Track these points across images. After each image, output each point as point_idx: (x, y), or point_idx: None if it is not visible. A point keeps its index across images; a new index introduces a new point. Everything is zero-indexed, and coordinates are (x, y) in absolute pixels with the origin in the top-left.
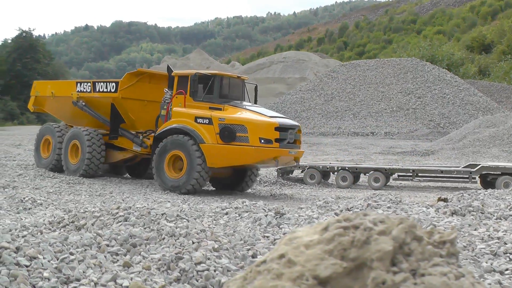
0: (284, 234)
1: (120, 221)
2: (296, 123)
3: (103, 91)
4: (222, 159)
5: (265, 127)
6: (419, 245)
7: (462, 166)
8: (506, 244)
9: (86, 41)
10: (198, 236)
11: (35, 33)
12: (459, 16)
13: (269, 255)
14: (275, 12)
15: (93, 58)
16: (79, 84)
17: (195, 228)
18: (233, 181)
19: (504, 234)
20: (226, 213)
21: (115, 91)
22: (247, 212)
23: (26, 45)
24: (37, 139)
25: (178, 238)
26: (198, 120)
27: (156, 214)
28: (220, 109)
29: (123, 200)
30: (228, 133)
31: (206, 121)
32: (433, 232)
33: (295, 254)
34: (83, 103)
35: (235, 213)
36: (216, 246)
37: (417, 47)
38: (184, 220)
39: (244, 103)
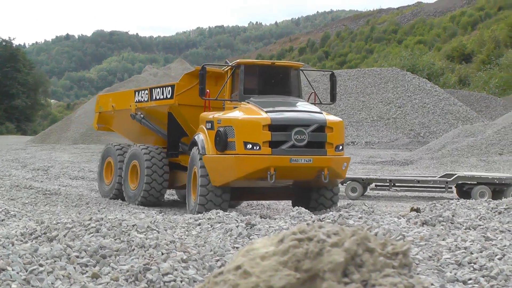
0: None
1: (92, 232)
2: (318, 117)
3: (159, 99)
4: (220, 175)
5: (250, 127)
6: (371, 256)
7: (439, 176)
8: (472, 254)
9: (67, 50)
10: (168, 247)
11: (16, 42)
12: (439, 26)
13: (226, 266)
14: (256, 22)
15: (74, 68)
16: (137, 93)
17: (165, 239)
18: (301, 200)
19: (471, 244)
20: (199, 224)
21: (171, 96)
22: (219, 223)
23: (6, 54)
24: (100, 163)
25: (147, 249)
26: (207, 124)
27: (127, 226)
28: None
29: (99, 211)
30: (219, 138)
31: (209, 125)
32: (386, 243)
33: (251, 265)
34: (142, 116)
35: (208, 224)
36: (184, 257)
37: (398, 57)
38: (155, 231)
39: (288, 98)
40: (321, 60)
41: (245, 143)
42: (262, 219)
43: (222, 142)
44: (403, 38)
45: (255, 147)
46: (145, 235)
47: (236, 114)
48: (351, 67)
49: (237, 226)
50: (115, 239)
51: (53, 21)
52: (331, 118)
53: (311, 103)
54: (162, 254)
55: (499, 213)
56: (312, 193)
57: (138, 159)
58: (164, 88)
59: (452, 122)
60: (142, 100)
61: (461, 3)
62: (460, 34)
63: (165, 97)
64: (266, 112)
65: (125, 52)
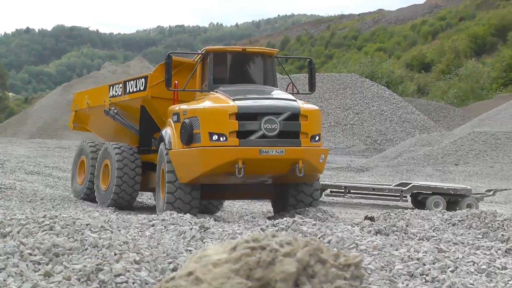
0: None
1: (45, 230)
2: (291, 105)
3: (132, 91)
4: (186, 171)
5: (215, 116)
6: (323, 267)
7: (394, 184)
8: (424, 265)
9: (26, 44)
10: (121, 248)
11: None
12: (400, 34)
13: (178, 272)
14: (217, 23)
15: (33, 62)
16: (111, 87)
17: (118, 240)
18: (280, 198)
19: (424, 255)
20: (153, 225)
21: (144, 88)
22: (173, 224)
23: None
24: (74, 161)
25: (100, 249)
26: (173, 117)
27: (81, 224)
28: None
29: (53, 207)
30: (184, 131)
31: (176, 118)
32: (339, 255)
33: (203, 272)
34: (115, 111)
35: (161, 225)
36: (137, 258)
37: (358, 63)
38: (108, 231)
39: (261, 87)
40: (281, 64)
41: (211, 134)
42: (216, 222)
43: (187, 134)
44: (363, 44)
45: (221, 138)
46: (98, 234)
47: (202, 103)
48: None
49: (190, 229)
50: (69, 238)
51: (13, 14)
52: (306, 106)
53: (289, 93)
54: (115, 254)
55: (453, 224)
56: (290, 189)
57: (110, 157)
58: (137, 80)
59: (409, 130)
60: (116, 94)
61: (423, 12)
62: (420, 43)
63: (138, 89)
64: (234, 100)
65: (84, 47)
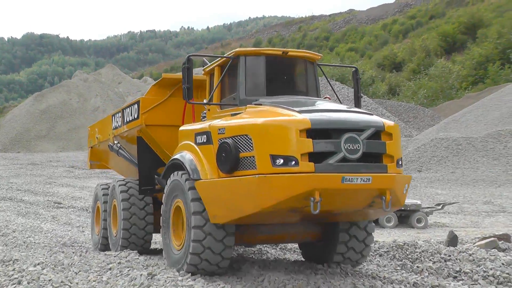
0: None
1: (14, 284)
2: (373, 120)
3: (129, 121)
4: (227, 208)
5: (279, 134)
6: None
7: None
8: None
9: None
10: None
11: None
12: (371, 33)
13: None
14: (188, 27)
15: (3, 71)
16: (113, 117)
17: None
18: (325, 248)
19: None
20: (110, 269)
21: (138, 116)
22: (128, 268)
23: None
24: (92, 209)
25: None
26: (197, 138)
27: (44, 280)
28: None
29: (24, 242)
30: (226, 154)
31: (204, 138)
32: None
33: None
34: (119, 145)
35: (117, 269)
36: None
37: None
38: (67, 286)
39: (309, 99)
40: (322, 71)
41: (274, 158)
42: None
43: (230, 159)
44: (335, 45)
45: (289, 163)
46: None
47: (251, 118)
48: None
49: (141, 275)
50: None
51: None
52: (386, 121)
53: None
54: None
55: (380, 255)
56: (339, 245)
57: (116, 196)
58: (132, 107)
59: None
60: (118, 125)
61: (393, 11)
62: (391, 42)
63: (133, 117)
64: (299, 112)
65: (55, 55)
